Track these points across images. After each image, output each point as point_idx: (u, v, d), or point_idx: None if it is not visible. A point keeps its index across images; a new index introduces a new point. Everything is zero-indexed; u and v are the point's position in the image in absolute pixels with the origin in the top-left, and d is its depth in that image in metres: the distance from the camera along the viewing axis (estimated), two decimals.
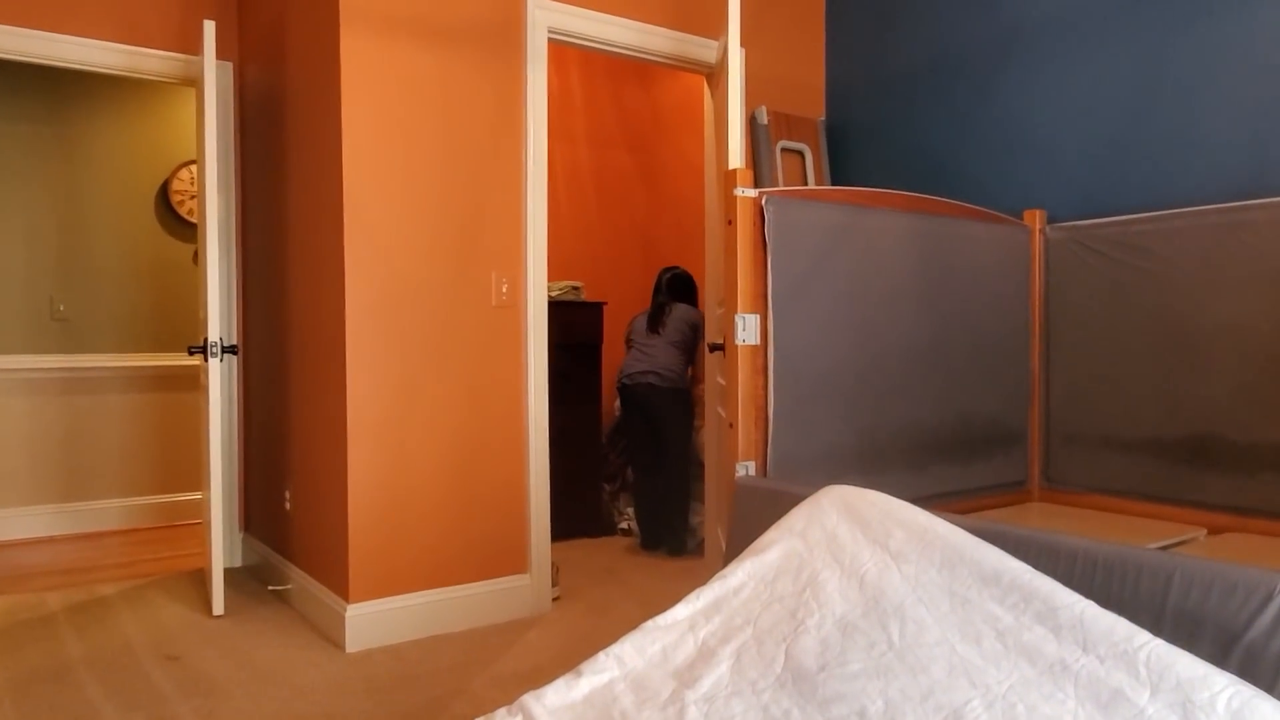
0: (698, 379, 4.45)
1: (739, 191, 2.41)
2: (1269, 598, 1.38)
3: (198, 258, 5.11)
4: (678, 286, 4.54)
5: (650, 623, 1.86)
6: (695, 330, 4.40)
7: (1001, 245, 3.14)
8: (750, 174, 2.46)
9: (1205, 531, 2.79)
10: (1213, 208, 2.80)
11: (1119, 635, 1.40)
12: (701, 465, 4.15)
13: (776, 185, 3.83)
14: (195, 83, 3.80)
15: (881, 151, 3.95)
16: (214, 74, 3.33)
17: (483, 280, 3.24)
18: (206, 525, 3.51)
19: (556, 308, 4.15)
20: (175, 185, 5.05)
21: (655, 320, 4.42)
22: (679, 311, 4.42)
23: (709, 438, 3.85)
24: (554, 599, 3.48)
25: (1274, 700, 1.25)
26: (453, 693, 2.63)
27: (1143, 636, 1.39)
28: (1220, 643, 1.43)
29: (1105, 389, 3.09)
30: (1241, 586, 1.41)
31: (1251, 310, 2.73)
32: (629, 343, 4.50)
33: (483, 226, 3.24)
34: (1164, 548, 2.26)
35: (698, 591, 1.90)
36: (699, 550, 4.24)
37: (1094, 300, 3.11)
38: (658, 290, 4.56)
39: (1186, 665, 1.32)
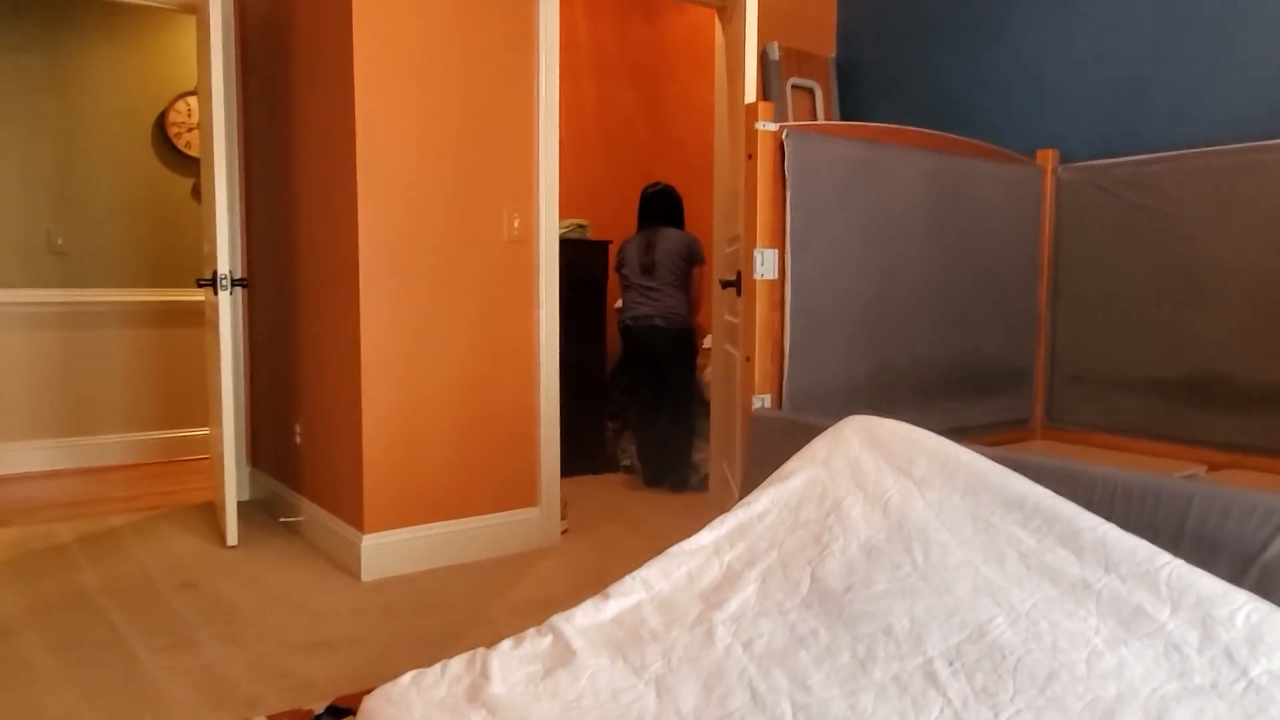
0: (697, 306, 4.44)
1: (760, 125, 2.40)
2: None
3: (197, 192, 5.05)
4: (664, 206, 4.41)
5: (675, 548, 1.90)
6: (689, 260, 4.33)
7: (1014, 184, 3.15)
8: (770, 107, 2.45)
9: (1205, 468, 2.85)
10: (1226, 148, 2.81)
11: (1140, 556, 1.45)
12: (706, 403, 4.19)
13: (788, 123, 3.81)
14: (196, 10, 3.72)
15: (892, 90, 3.92)
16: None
17: (494, 215, 3.23)
18: (217, 457, 3.53)
19: (562, 245, 4.12)
20: (172, 117, 4.96)
21: (647, 255, 4.34)
22: (669, 243, 4.32)
23: (715, 374, 3.88)
24: (562, 532, 3.54)
25: None
26: (471, 619, 2.69)
27: (1164, 557, 1.44)
28: (1236, 564, 1.48)
29: (1111, 329, 3.13)
30: (1260, 510, 1.46)
31: (1259, 251, 2.76)
32: (623, 278, 4.47)
33: (495, 161, 3.22)
34: None
35: (721, 518, 1.94)
36: (702, 486, 4.30)
37: (1103, 240, 3.13)
38: (643, 212, 4.46)
39: (1206, 584, 1.37)
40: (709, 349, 4.54)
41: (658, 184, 4.51)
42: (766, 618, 1.67)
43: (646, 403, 4.40)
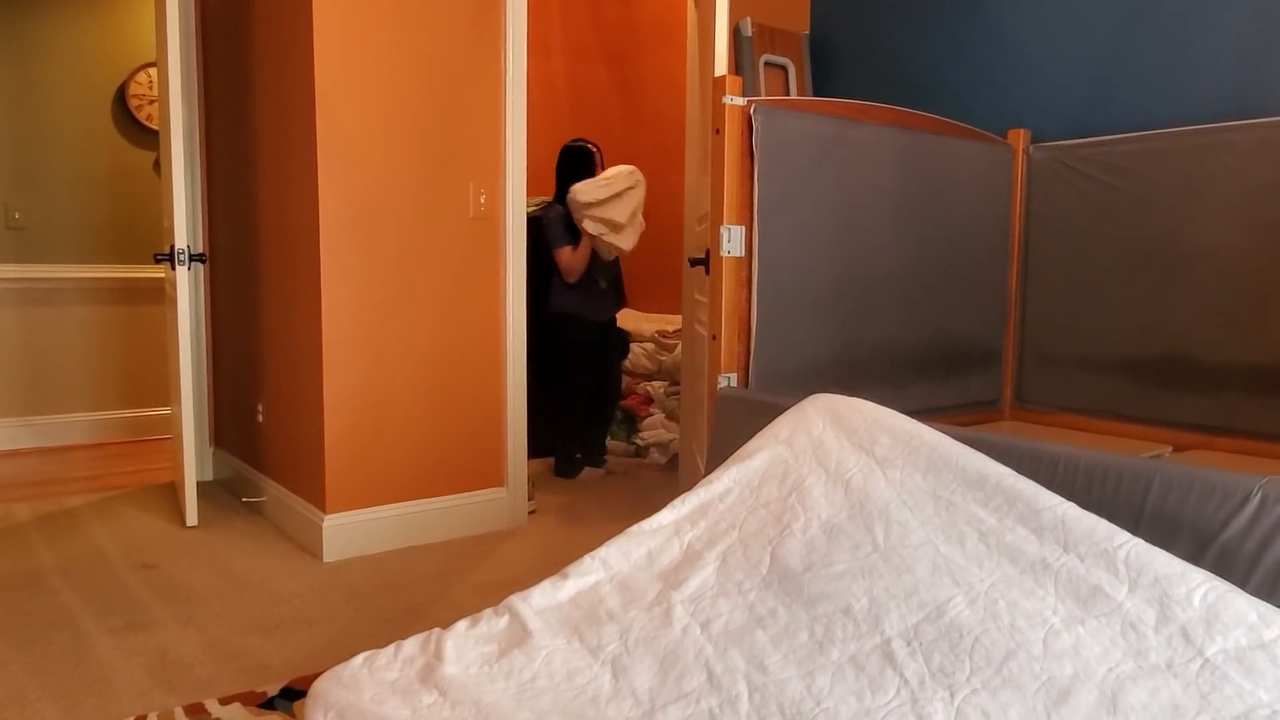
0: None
1: (727, 100, 2.36)
2: (1245, 500, 1.42)
3: (158, 166, 4.94)
4: (561, 169, 3.98)
5: (635, 527, 1.87)
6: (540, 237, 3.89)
7: (985, 164, 3.13)
8: (739, 81, 2.40)
9: (1170, 449, 2.86)
10: (1195, 128, 2.80)
11: (1099, 535, 1.44)
12: (678, 383, 4.15)
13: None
14: None
15: (866, 68, 3.88)
16: None
17: (460, 191, 3.17)
18: (177, 436, 3.46)
19: (531, 223, 4.06)
20: (133, 89, 4.84)
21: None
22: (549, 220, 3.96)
23: (684, 353, 3.85)
24: (530, 512, 3.51)
25: (1247, 596, 1.30)
26: (433, 599, 2.65)
27: (1122, 536, 1.42)
28: (1196, 543, 1.47)
29: (1081, 310, 3.12)
30: (1220, 489, 1.45)
31: (1227, 232, 2.76)
32: None
33: (460, 135, 3.16)
34: None
35: (683, 497, 1.91)
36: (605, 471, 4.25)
37: (1074, 221, 3.12)
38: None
39: (1164, 563, 1.36)
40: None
41: (575, 141, 4.09)
42: (725, 598, 1.65)
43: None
